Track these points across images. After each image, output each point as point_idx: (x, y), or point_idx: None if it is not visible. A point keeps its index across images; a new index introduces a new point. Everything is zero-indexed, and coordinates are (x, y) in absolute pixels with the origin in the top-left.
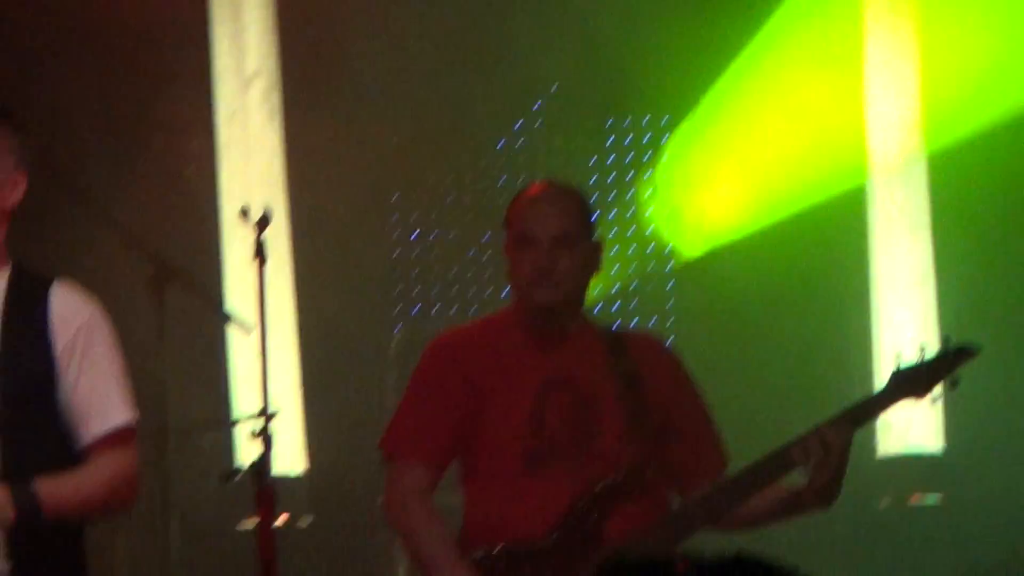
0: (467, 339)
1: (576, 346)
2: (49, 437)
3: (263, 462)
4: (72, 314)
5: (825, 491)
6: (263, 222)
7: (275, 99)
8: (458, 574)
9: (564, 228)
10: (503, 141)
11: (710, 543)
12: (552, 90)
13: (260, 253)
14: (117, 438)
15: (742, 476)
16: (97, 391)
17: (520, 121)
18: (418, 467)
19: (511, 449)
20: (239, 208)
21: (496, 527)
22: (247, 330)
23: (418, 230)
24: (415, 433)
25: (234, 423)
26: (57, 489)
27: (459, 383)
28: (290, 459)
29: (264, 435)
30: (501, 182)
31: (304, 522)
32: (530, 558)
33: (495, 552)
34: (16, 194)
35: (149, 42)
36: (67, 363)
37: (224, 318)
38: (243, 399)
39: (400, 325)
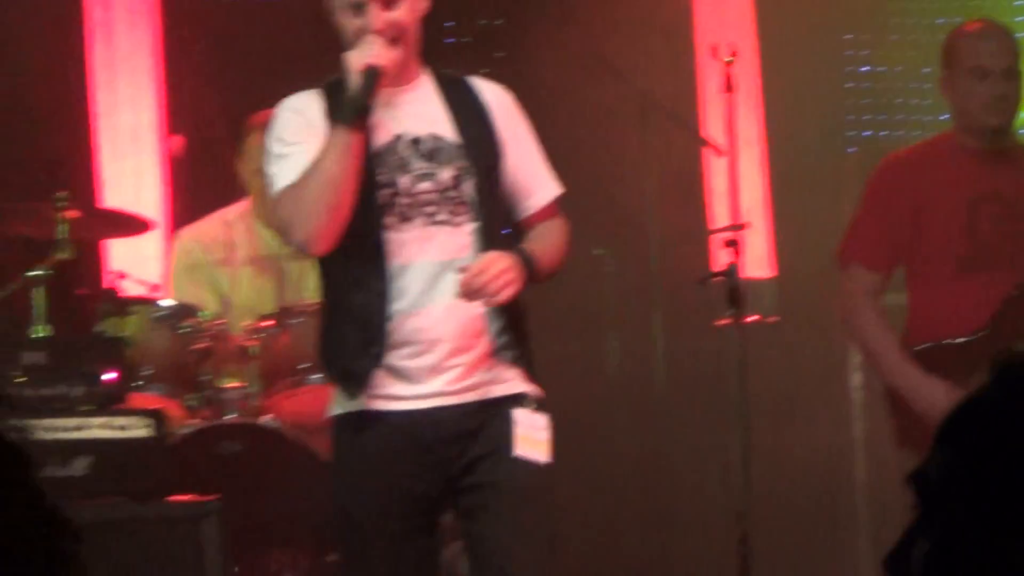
0: (910, 160)
1: (1008, 165)
2: (498, 208)
3: (734, 267)
4: (498, 101)
5: None
6: (732, 58)
7: None
8: (902, 366)
9: (1010, 62)
10: None
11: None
12: None
13: (729, 85)
14: (555, 207)
15: None
16: (532, 167)
17: None
18: (868, 272)
19: (947, 255)
20: (710, 45)
21: (933, 324)
22: (720, 153)
23: (868, 66)
24: (866, 242)
25: (710, 233)
26: (537, 252)
27: (903, 199)
28: (759, 265)
29: (735, 244)
30: (940, 22)
31: (771, 320)
32: (962, 351)
33: (932, 346)
34: (424, 3)
35: None
36: (507, 141)
37: (700, 142)
38: (717, 213)
39: (854, 148)
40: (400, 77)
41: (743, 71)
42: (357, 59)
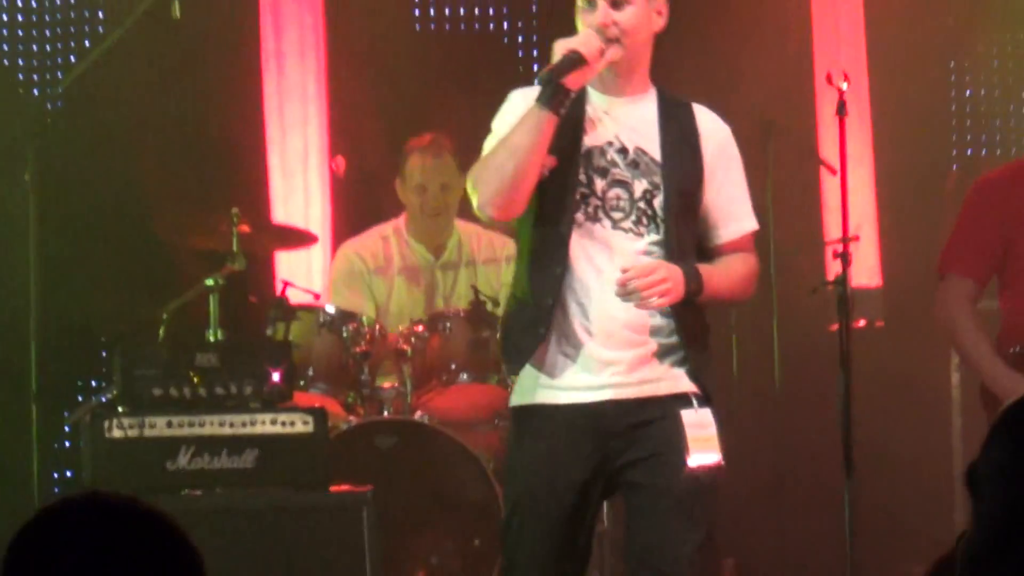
0: (1002, 179)
1: None
2: (691, 230)
3: (845, 276)
4: (713, 131)
5: None
6: (845, 83)
7: None
8: (994, 367)
9: None
10: None
11: None
12: None
13: (842, 110)
14: (748, 240)
15: None
16: (733, 198)
17: None
18: (964, 280)
19: None
20: (826, 71)
21: (1023, 329)
22: (833, 171)
23: (969, 90)
24: (963, 254)
25: (823, 245)
26: (711, 274)
27: (994, 214)
28: (867, 274)
29: (846, 254)
30: None
31: (878, 325)
32: None
33: (1022, 349)
34: (661, 21)
35: None
36: (712, 170)
37: (816, 161)
38: (830, 226)
39: (956, 165)
40: (625, 88)
41: (855, 96)
42: (563, 44)
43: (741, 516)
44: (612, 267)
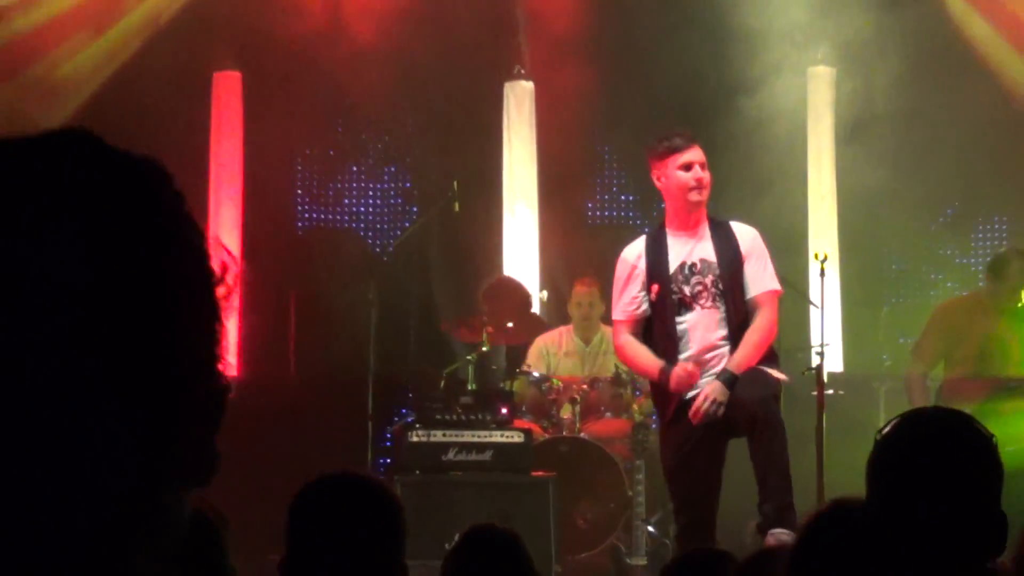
0: (954, 305)
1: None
2: (738, 298)
3: (820, 366)
4: (745, 235)
5: None
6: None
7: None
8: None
9: None
10: None
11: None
12: None
13: (822, 273)
14: (770, 295)
15: None
16: (759, 272)
17: None
18: (918, 364)
19: (965, 363)
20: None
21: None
22: (816, 306)
23: None
24: (921, 351)
25: (810, 347)
26: (738, 363)
27: (942, 328)
28: (836, 364)
29: (822, 353)
30: None
31: (840, 394)
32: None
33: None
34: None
35: None
36: (745, 257)
37: (807, 301)
38: (816, 335)
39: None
40: (691, 226)
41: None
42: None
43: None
44: (703, 333)
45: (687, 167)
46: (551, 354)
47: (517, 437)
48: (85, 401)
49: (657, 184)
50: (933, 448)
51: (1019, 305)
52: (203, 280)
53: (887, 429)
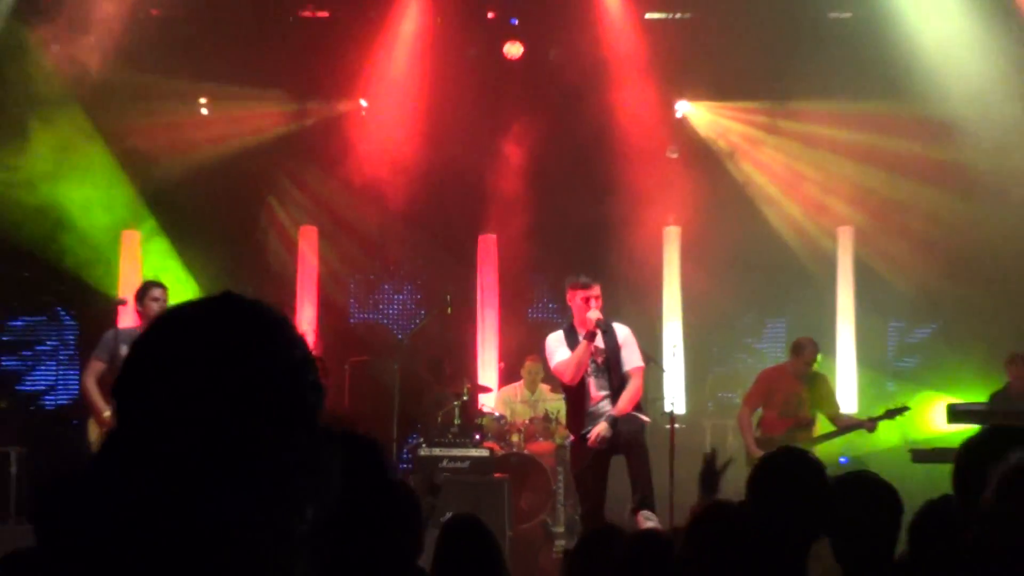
0: (771, 373)
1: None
2: (619, 370)
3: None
4: (622, 331)
5: None
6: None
7: None
8: (751, 442)
9: None
10: None
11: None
12: None
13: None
14: (638, 369)
15: None
16: (630, 353)
17: None
18: (747, 408)
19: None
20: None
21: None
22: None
23: None
24: (751, 398)
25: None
26: (620, 405)
27: (764, 387)
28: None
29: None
30: None
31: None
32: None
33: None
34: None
35: None
36: (622, 345)
37: (663, 370)
38: None
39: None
40: (588, 327)
41: None
42: (593, 317)
43: None
44: (602, 393)
45: (587, 299)
46: (511, 401)
47: (485, 453)
48: (276, 443)
49: (570, 303)
50: (783, 470)
51: (810, 373)
52: (312, 369)
53: (764, 455)
